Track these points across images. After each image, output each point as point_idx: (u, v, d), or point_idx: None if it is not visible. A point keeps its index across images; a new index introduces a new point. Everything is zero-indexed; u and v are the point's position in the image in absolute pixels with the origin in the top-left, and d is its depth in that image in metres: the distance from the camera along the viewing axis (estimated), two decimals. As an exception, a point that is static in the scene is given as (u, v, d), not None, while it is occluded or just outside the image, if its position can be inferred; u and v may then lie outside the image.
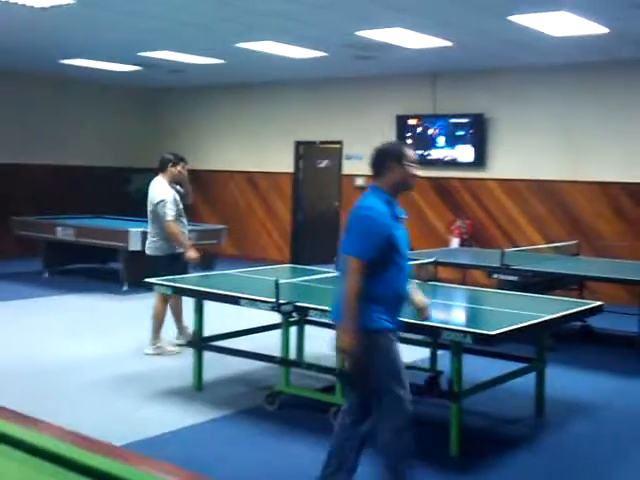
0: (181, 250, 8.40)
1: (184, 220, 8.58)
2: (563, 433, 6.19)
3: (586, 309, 6.59)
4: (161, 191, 8.37)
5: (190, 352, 7.28)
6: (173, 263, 8.27)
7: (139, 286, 8.61)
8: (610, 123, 12.30)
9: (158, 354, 8.27)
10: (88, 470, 1.94)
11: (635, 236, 12.03)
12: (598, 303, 6.63)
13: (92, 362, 8.00)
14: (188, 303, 7.32)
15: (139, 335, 8.66)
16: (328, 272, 8.63)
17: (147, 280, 7.34)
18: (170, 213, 8.25)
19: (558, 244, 11.32)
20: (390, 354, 4.59)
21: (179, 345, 8.43)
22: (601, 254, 11.58)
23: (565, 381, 7.46)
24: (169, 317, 8.49)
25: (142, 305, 9.75)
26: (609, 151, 12.21)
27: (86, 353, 8.34)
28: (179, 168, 8.52)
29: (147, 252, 8.54)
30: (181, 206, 8.51)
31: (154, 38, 11.57)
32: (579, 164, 12.47)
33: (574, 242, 11.28)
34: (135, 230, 11.52)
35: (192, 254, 8.29)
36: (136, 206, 16.26)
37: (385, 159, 4.72)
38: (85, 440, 2.18)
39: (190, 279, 7.71)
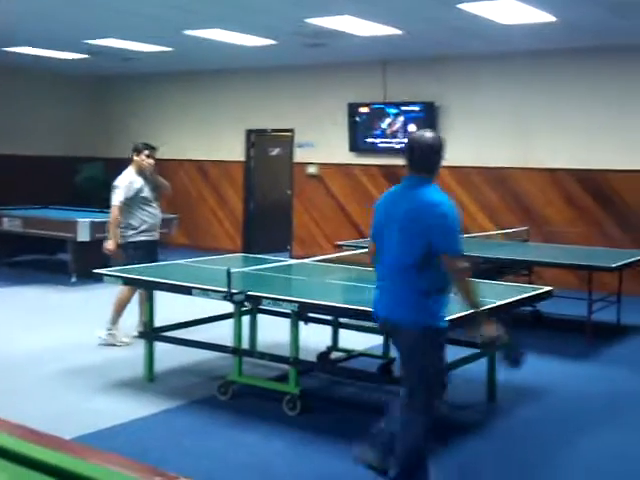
0: (153, 238, 8.49)
1: (150, 208, 8.50)
2: (513, 418, 6.25)
3: (536, 294, 6.66)
4: (119, 178, 8.42)
5: (142, 343, 7.22)
6: (143, 251, 8.28)
7: (88, 277, 8.53)
8: (559, 110, 12.40)
9: (109, 343, 8.20)
10: (38, 464, 1.91)
11: (584, 222, 12.16)
12: (548, 288, 6.70)
13: (41, 355, 7.90)
14: (162, 296, 7.23)
15: (89, 326, 8.58)
16: (280, 260, 8.64)
17: (96, 271, 7.27)
18: (117, 198, 8.25)
19: (508, 230, 11.42)
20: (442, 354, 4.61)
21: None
22: (551, 240, 11.69)
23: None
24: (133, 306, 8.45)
25: (91, 296, 9.68)
26: (558, 138, 12.31)
27: (35, 346, 8.22)
28: (142, 157, 8.49)
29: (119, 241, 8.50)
30: (145, 194, 8.43)
31: (101, 26, 11.44)
32: (529, 151, 12.57)
33: (524, 228, 11.38)
34: (83, 220, 11.39)
35: (110, 245, 8.23)
36: (84, 196, 16.17)
37: (441, 157, 4.59)
38: (34, 434, 2.15)
39: (141, 269, 7.65)
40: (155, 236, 8.58)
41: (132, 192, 8.30)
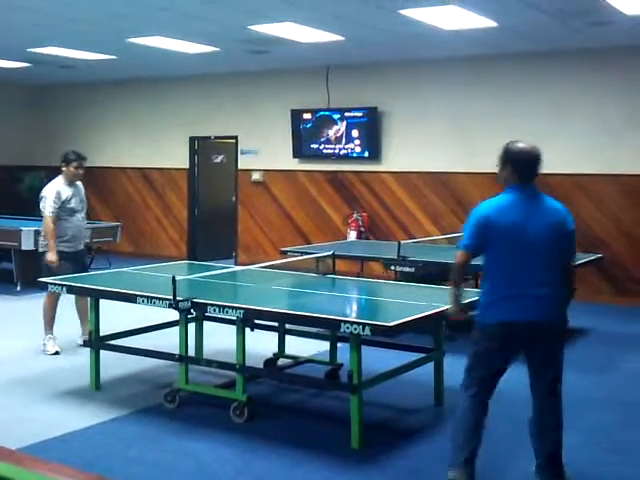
0: (75, 249, 8.39)
1: (74, 219, 8.41)
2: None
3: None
4: (46, 188, 8.35)
5: (87, 351, 7.16)
6: (67, 262, 8.18)
7: (33, 286, 8.44)
8: (501, 115, 12.53)
9: (42, 350, 8.24)
10: (-17, 476, 1.89)
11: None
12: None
13: (-15, 365, 7.82)
14: (107, 304, 7.16)
15: (34, 335, 8.48)
16: (226, 267, 8.62)
17: (41, 280, 7.21)
18: (48, 209, 8.17)
19: (452, 235, 11.49)
20: None
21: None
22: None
23: (463, 370, 7.57)
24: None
25: (37, 305, 9.52)
26: (500, 142, 12.27)
27: (-21, 356, 8.13)
28: (71, 168, 8.37)
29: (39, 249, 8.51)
30: (72, 205, 8.35)
31: (43, 34, 11.31)
32: (471, 156, 12.68)
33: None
34: (28, 229, 11.28)
35: (51, 257, 8.11)
36: (28, 205, 15.95)
37: None
38: (-21, 445, 2.13)
39: (85, 277, 7.58)
40: (78, 247, 8.49)
41: (59, 202, 8.21)
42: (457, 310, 5.08)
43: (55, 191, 8.25)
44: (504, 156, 4.95)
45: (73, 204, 8.36)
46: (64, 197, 8.26)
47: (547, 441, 4.96)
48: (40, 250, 8.39)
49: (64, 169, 8.40)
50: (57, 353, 8.18)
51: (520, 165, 4.87)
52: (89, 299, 7.11)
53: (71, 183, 8.41)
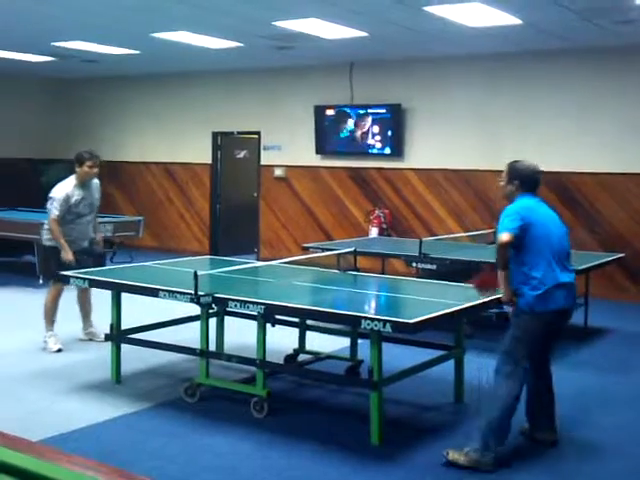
0: (79, 248, 8.27)
1: (80, 222, 8.30)
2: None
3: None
4: (56, 189, 8.20)
5: (109, 345, 7.18)
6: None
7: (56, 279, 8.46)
8: (526, 112, 12.48)
9: (43, 348, 8.15)
10: (4, 467, 1.89)
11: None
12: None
13: (9, 356, 7.87)
14: (129, 298, 7.17)
15: (57, 328, 8.50)
16: (247, 263, 8.62)
17: (62, 273, 7.24)
18: (54, 212, 8.04)
19: (475, 232, 11.46)
20: None
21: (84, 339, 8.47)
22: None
23: (483, 367, 7.56)
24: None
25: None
26: (525, 140, 12.37)
27: (2, 348, 8.18)
28: (85, 168, 8.18)
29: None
30: (80, 209, 8.23)
31: (68, 28, 11.35)
32: (496, 153, 12.60)
33: (491, 230, 11.41)
34: (50, 222, 11.30)
35: (67, 256, 8.03)
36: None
37: None
38: (1, 436, 2.14)
39: (108, 271, 7.60)
40: (83, 245, 8.36)
41: (66, 206, 8.08)
42: (510, 294, 5.38)
43: (64, 194, 8.09)
44: (511, 173, 5.59)
45: (80, 208, 8.22)
46: (72, 201, 8.12)
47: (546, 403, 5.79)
48: (46, 245, 8.30)
49: (77, 169, 8.21)
50: (60, 350, 8.09)
51: (527, 180, 5.55)
52: (110, 293, 7.12)
53: (83, 184, 8.23)
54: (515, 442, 5.61)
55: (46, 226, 8.31)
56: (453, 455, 5.21)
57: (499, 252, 5.30)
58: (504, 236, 5.22)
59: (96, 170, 8.30)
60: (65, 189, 8.16)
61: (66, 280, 7.32)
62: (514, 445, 5.56)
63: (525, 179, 5.53)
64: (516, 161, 5.69)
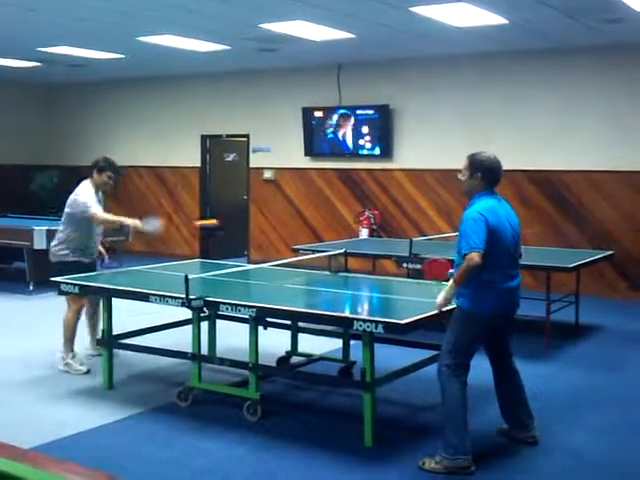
0: (88, 260, 7.87)
1: (98, 231, 7.96)
2: (475, 418, 6.27)
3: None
4: (82, 194, 7.70)
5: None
6: (71, 271, 7.54)
7: (46, 285, 8.44)
8: (513, 112, 12.51)
9: (66, 371, 7.56)
10: (-3, 475, 1.89)
11: (540, 223, 12.24)
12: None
13: (0, 363, 7.84)
14: (120, 303, 7.05)
15: (48, 335, 8.48)
16: (238, 266, 8.61)
17: (53, 279, 7.19)
18: (94, 208, 7.59)
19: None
20: None
21: (92, 355, 8.03)
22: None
23: (475, 367, 7.56)
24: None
25: (49, 304, 9.57)
26: (512, 140, 12.40)
27: (-8, 355, 8.16)
28: (104, 178, 7.81)
29: (51, 259, 7.90)
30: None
31: (52, 33, 11.34)
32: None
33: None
34: (39, 229, 11.29)
35: (137, 223, 7.74)
36: (39, 204, 16.04)
37: None
38: (-7, 444, 2.13)
39: (97, 277, 7.57)
40: (93, 257, 8.01)
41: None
42: (448, 300, 5.30)
43: (91, 193, 7.69)
44: (473, 165, 5.47)
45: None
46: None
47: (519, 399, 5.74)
48: (63, 260, 7.73)
49: (95, 175, 7.81)
50: (89, 372, 7.50)
51: (489, 173, 5.45)
52: (101, 302, 7.07)
53: (97, 191, 7.85)
54: (495, 442, 5.64)
55: (55, 242, 7.86)
56: (430, 464, 5.16)
57: (466, 271, 5.05)
58: (475, 257, 4.99)
59: (112, 182, 7.94)
60: (90, 190, 7.75)
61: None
62: (495, 445, 5.58)
63: (487, 172, 5.42)
64: (476, 153, 5.57)
